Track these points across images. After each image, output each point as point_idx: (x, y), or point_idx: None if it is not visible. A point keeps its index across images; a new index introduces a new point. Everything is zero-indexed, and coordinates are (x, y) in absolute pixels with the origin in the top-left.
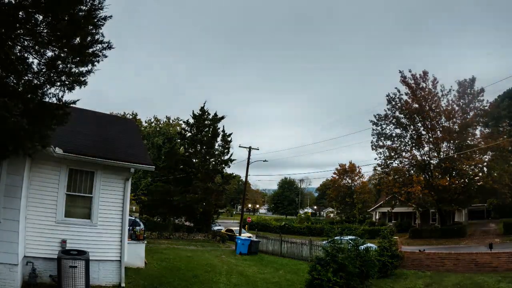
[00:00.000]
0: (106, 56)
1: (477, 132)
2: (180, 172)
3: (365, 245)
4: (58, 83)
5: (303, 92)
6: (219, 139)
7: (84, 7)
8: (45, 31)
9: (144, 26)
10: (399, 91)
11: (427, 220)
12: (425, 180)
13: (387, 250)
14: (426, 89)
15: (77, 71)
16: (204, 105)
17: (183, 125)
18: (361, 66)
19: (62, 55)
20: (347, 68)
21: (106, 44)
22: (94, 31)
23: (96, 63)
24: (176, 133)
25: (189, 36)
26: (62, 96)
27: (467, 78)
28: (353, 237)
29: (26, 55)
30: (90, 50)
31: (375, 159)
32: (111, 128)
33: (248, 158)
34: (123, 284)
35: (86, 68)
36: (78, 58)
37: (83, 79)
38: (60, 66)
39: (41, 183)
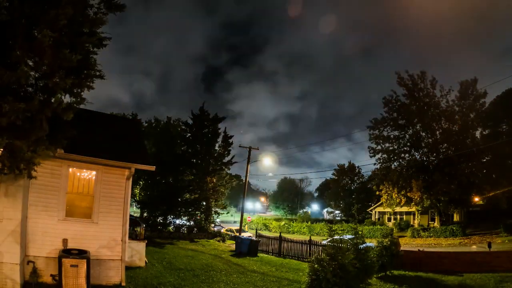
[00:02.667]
0: (93, 88)
1: (477, 133)
2: (180, 172)
3: (364, 245)
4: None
5: None
6: (219, 139)
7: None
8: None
9: None
10: (395, 92)
11: (427, 220)
12: (424, 181)
13: (386, 249)
14: (425, 90)
15: (65, 103)
16: (203, 106)
17: (183, 126)
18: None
19: (56, 75)
20: None
21: (98, 73)
22: (92, 48)
23: (87, 89)
24: (176, 133)
25: None
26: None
27: (468, 79)
28: (353, 236)
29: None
30: (83, 73)
31: (374, 164)
32: (111, 128)
33: (248, 158)
34: (123, 283)
35: (78, 90)
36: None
37: (73, 107)
38: (51, 86)
39: (42, 182)
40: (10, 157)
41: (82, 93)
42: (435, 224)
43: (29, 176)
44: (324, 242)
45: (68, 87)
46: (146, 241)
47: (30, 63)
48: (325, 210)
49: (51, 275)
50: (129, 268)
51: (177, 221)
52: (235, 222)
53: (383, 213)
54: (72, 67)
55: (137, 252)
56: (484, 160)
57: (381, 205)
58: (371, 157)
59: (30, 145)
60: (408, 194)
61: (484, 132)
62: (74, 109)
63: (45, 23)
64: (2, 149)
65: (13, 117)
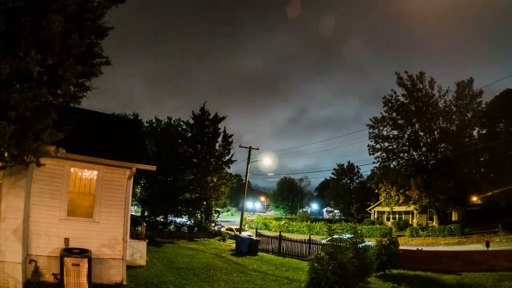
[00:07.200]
0: (102, 73)
1: (474, 133)
2: (181, 171)
3: (363, 244)
4: (59, 91)
5: None
6: (219, 139)
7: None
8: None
9: None
10: (395, 92)
11: (425, 219)
12: (422, 181)
13: (385, 248)
14: (423, 90)
15: (73, 89)
16: (204, 105)
17: (184, 126)
18: None
19: (65, 63)
20: None
21: (105, 59)
22: (95, 40)
23: (93, 77)
24: (177, 133)
25: None
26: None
27: (465, 79)
28: (352, 235)
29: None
30: (89, 62)
31: (373, 162)
32: (113, 128)
33: (248, 158)
34: (124, 282)
35: (85, 80)
36: (79, 69)
37: (80, 95)
38: (61, 73)
39: (44, 182)
40: (17, 147)
41: (90, 83)
42: (434, 223)
43: (37, 164)
44: (323, 241)
45: (78, 74)
46: (147, 240)
47: (39, 55)
48: (324, 210)
49: (53, 274)
50: (130, 267)
51: (178, 220)
52: (235, 221)
53: (382, 212)
54: (81, 54)
55: (138, 251)
56: (482, 159)
57: (380, 204)
58: (370, 155)
59: (37, 133)
60: (407, 192)
61: (481, 132)
62: (82, 96)
63: (53, 11)
64: (8, 140)
65: (21, 108)
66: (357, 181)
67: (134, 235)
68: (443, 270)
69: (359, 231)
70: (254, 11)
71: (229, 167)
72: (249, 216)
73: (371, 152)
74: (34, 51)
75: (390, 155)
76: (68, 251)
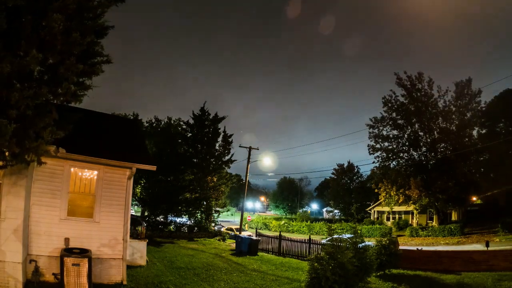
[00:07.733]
0: (102, 71)
1: (474, 132)
2: (181, 171)
3: (363, 244)
4: (60, 91)
5: None
6: (219, 139)
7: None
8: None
9: None
10: (394, 93)
11: (425, 219)
12: (422, 180)
13: (385, 248)
14: (423, 90)
15: (74, 88)
16: (204, 105)
17: (184, 126)
18: None
19: (66, 61)
20: None
21: (105, 58)
22: (96, 39)
23: (94, 75)
24: (177, 133)
25: None
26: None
27: (463, 79)
28: (352, 235)
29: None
30: (90, 61)
31: (373, 162)
32: (113, 128)
33: (248, 158)
34: (125, 282)
35: (85, 79)
36: (80, 68)
37: (81, 93)
38: (62, 72)
39: (44, 181)
40: (18, 146)
41: (90, 81)
42: (434, 223)
43: (39, 162)
44: (323, 241)
45: (79, 72)
46: (147, 240)
47: (40, 54)
48: (324, 209)
49: (53, 273)
50: (130, 267)
51: (178, 220)
52: (235, 221)
53: (382, 212)
54: (81, 52)
55: (138, 251)
56: (482, 159)
57: (380, 204)
58: (370, 154)
59: (38, 131)
60: (407, 192)
61: (481, 131)
62: (82, 95)
63: (54, 10)
64: (9, 138)
65: (22, 107)
66: (357, 181)
67: (134, 235)
68: (443, 270)
69: (359, 231)
70: None
71: (229, 167)
72: (249, 216)
73: (371, 152)
74: (35, 50)
75: (390, 155)
76: (68, 251)
